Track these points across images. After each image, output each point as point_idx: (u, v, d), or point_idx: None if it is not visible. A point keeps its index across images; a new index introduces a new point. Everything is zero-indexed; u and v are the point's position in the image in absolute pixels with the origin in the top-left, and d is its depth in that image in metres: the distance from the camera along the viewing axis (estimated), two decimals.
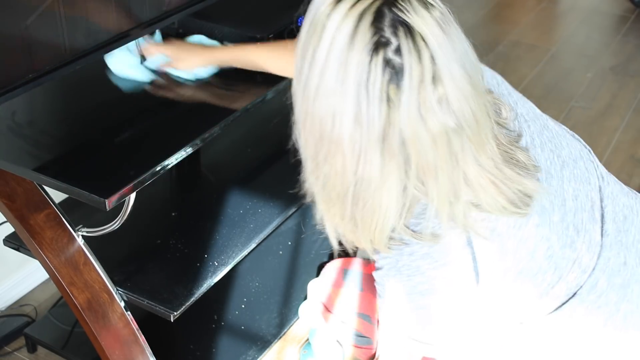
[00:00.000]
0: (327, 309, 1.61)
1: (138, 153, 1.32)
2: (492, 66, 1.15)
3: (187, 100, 1.52)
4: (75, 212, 1.48)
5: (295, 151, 0.94)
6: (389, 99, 0.76)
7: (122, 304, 1.43)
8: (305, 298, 1.84)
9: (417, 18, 0.77)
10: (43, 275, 1.95)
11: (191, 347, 1.73)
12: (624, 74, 3.18)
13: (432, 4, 0.79)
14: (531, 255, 0.96)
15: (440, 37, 0.78)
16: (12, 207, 1.31)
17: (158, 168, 1.26)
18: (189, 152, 1.33)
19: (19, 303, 1.92)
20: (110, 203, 1.18)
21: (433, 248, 0.91)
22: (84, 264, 1.38)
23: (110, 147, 1.35)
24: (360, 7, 0.77)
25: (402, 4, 0.77)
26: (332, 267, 1.72)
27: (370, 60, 0.76)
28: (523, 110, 1.02)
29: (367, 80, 0.76)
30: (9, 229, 1.45)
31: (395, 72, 0.76)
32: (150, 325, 1.55)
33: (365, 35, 0.76)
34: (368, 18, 0.76)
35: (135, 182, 1.22)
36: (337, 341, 1.78)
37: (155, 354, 1.49)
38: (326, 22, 0.78)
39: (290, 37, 1.67)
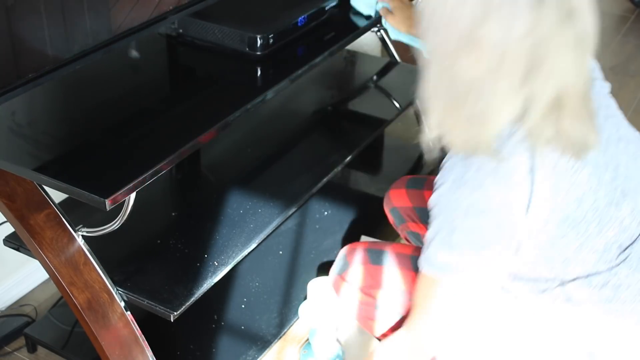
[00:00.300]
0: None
1: (138, 153, 1.32)
2: None
3: (187, 100, 1.52)
4: (75, 212, 1.48)
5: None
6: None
7: (122, 304, 1.43)
8: (305, 298, 1.84)
9: None
10: (43, 275, 1.95)
11: (191, 347, 1.72)
12: (623, 74, 3.17)
13: None
14: (578, 203, 1.07)
15: None
16: (12, 207, 1.31)
17: (158, 168, 1.26)
18: (189, 152, 1.33)
19: (19, 303, 1.92)
20: (110, 203, 1.18)
21: (499, 166, 1.02)
22: (84, 264, 1.38)
23: (110, 147, 1.35)
24: None
25: None
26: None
27: None
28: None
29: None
30: (9, 229, 1.45)
31: None
32: (150, 325, 1.55)
33: None
34: None
35: (135, 182, 1.22)
36: (337, 340, 1.78)
37: (155, 354, 1.49)
38: None
39: (295, 40, 1.67)
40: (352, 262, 1.42)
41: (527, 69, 0.95)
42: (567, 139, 1.02)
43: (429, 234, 1.12)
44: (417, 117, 2.38)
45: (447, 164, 1.10)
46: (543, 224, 1.07)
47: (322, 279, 1.78)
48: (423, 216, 1.59)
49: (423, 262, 1.14)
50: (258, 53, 1.59)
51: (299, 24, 1.66)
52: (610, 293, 1.16)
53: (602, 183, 1.10)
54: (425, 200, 1.44)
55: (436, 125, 1.05)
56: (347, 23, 1.81)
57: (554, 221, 1.07)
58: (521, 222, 1.06)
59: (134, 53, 1.57)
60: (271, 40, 1.59)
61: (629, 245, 1.14)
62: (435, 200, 1.11)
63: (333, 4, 1.75)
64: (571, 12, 0.94)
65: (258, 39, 1.57)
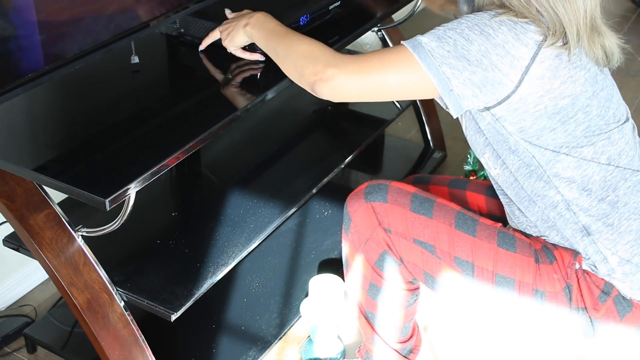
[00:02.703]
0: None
1: (138, 153, 1.32)
2: None
3: (187, 100, 1.52)
4: (75, 212, 1.48)
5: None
6: None
7: (122, 304, 1.43)
8: (307, 295, 1.84)
9: None
10: (43, 275, 1.95)
11: (191, 347, 1.72)
12: (624, 74, 3.17)
13: None
14: (573, 100, 1.22)
15: None
16: (12, 207, 1.31)
17: (158, 168, 1.26)
18: (189, 152, 1.33)
19: (19, 303, 1.92)
20: (110, 203, 1.18)
21: (518, 24, 1.18)
22: (83, 264, 1.37)
23: (110, 147, 1.35)
24: None
25: None
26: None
27: None
28: None
29: None
30: (8, 229, 1.45)
31: None
32: (150, 325, 1.55)
33: None
34: None
35: (135, 182, 1.21)
36: (338, 337, 1.78)
37: (155, 354, 1.49)
38: None
39: None
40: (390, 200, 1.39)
41: None
42: (589, 51, 1.23)
43: (430, 32, 1.24)
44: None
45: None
46: (537, 99, 1.21)
47: (323, 276, 1.78)
48: None
49: (412, 41, 1.24)
50: (258, 52, 1.59)
51: (301, 23, 1.66)
52: (608, 207, 1.25)
53: (596, 96, 1.25)
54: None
55: None
56: (347, 23, 1.81)
57: (547, 107, 1.21)
58: (508, 75, 1.18)
59: (134, 53, 1.57)
60: None
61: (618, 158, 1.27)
62: (450, 24, 1.23)
63: (336, 4, 1.75)
64: None
65: None
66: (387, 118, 2.06)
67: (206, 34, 1.58)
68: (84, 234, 1.38)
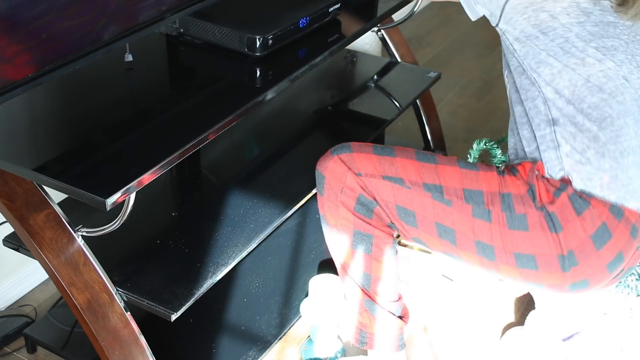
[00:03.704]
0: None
1: (138, 153, 1.32)
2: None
3: (187, 100, 1.52)
4: (75, 212, 1.47)
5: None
6: None
7: (122, 304, 1.43)
8: (307, 295, 1.84)
9: None
10: (43, 275, 1.95)
11: (191, 347, 1.72)
12: None
13: None
14: (551, 16, 1.39)
15: None
16: (12, 207, 1.31)
17: (158, 168, 1.26)
18: (189, 153, 1.33)
19: (19, 303, 1.92)
20: (110, 203, 1.18)
21: None
22: (83, 264, 1.37)
23: (110, 147, 1.35)
24: None
25: None
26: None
27: None
28: None
29: None
30: (8, 229, 1.45)
31: None
32: (150, 325, 1.55)
33: None
34: None
35: (136, 182, 1.21)
36: (338, 337, 1.78)
37: (155, 354, 1.49)
38: None
39: (296, 42, 1.67)
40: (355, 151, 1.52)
41: None
42: None
43: None
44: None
45: None
46: (522, 9, 1.39)
47: (323, 276, 1.78)
48: None
49: None
50: (257, 54, 1.59)
51: (301, 25, 1.66)
52: (575, 111, 1.38)
53: (586, 22, 1.37)
54: None
55: None
56: (347, 23, 1.81)
57: (530, 17, 1.39)
58: None
59: (134, 53, 1.57)
60: (270, 41, 1.59)
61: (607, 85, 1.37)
62: None
63: (336, 6, 1.75)
64: None
65: (257, 40, 1.57)
66: (387, 118, 2.06)
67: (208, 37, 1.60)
68: (84, 234, 1.38)
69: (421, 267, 1.94)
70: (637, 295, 1.58)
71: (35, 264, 1.65)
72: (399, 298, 1.61)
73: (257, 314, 1.82)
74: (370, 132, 2.00)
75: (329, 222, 1.57)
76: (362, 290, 1.57)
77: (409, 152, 1.49)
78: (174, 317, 1.41)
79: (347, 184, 1.49)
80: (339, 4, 1.76)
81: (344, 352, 1.77)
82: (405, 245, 2.09)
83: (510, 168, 1.44)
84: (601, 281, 1.38)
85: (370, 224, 1.51)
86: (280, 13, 1.67)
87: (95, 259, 1.39)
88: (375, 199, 1.49)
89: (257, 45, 1.58)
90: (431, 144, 2.46)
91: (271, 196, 1.72)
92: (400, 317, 1.60)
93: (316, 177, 1.57)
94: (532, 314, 1.78)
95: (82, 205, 1.34)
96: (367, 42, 2.79)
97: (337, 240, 1.57)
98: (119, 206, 1.24)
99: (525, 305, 1.89)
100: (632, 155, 1.36)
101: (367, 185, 1.48)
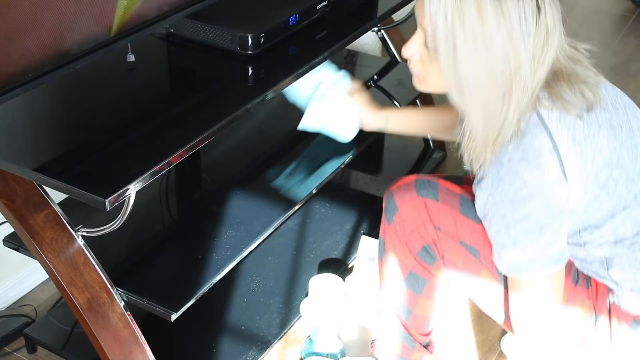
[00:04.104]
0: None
1: (138, 153, 1.32)
2: None
3: (187, 100, 1.52)
4: (75, 212, 1.47)
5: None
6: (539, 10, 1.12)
7: (122, 304, 1.43)
8: (307, 295, 1.84)
9: None
10: (43, 275, 1.95)
11: (191, 347, 1.72)
12: (624, 74, 3.17)
13: None
14: (607, 164, 1.19)
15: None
16: (12, 207, 1.31)
17: (158, 168, 1.26)
18: (189, 152, 1.32)
19: (19, 303, 1.92)
20: (110, 203, 1.17)
21: (525, 152, 1.14)
22: (83, 264, 1.37)
23: (110, 147, 1.35)
24: None
25: None
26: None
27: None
28: (606, 85, 1.28)
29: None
30: (8, 229, 1.45)
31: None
32: (150, 325, 1.55)
33: None
34: None
35: (135, 182, 1.21)
36: (338, 336, 1.78)
37: (155, 354, 1.49)
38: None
39: (286, 39, 1.67)
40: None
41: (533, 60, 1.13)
42: (566, 101, 1.16)
43: (491, 239, 1.22)
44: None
45: (481, 179, 1.22)
46: (582, 190, 1.18)
47: (323, 276, 1.78)
48: None
49: (500, 267, 1.24)
50: (249, 52, 1.59)
51: (291, 23, 1.66)
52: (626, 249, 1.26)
53: (623, 144, 1.21)
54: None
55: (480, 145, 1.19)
56: (347, 23, 1.81)
57: (591, 187, 1.19)
58: (564, 194, 1.16)
59: (130, 53, 1.57)
60: (262, 40, 1.59)
61: None
62: (481, 208, 1.22)
63: (324, 3, 1.75)
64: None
65: (249, 38, 1.57)
66: None
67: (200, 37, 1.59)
68: (84, 234, 1.38)
69: None
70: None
71: (35, 264, 1.64)
72: (431, 331, 1.56)
73: (257, 314, 1.82)
74: (369, 132, 1.99)
75: (387, 248, 1.47)
76: (400, 319, 1.51)
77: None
78: (174, 317, 1.41)
79: (421, 231, 1.39)
80: (325, 1, 1.75)
81: (344, 353, 1.77)
82: None
83: (582, 275, 1.33)
84: None
85: (429, 271, 1.43)
86: (268, 11, 1.67)
87: (95, 259, 1.39)
88: (442, 257, 1.40)
89: (249, 44, 1.58)
90: (431, 144, 2.46)
91: (271, 196, 1.72)
92: (426, 347, 1.56)
93: (387, 201, 1.45)
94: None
95: (82, 205, 1.34)
96: (367, 42, 2.78)
97: (389, 268, 1.48)
98: (119, 206, 1.24)
99: None
100: None
101: (441, 242, 1.38)
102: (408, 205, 1.40)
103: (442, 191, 1.38)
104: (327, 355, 1.74)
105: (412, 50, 1.27)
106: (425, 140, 2.47)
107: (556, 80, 1.18)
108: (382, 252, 1.50)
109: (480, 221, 1.31)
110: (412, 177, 1.43)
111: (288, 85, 1.58)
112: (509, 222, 1.18)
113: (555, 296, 1.25)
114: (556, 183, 1.15)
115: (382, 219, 1.48)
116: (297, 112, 1.73)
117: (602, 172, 1.19)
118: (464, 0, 1.10)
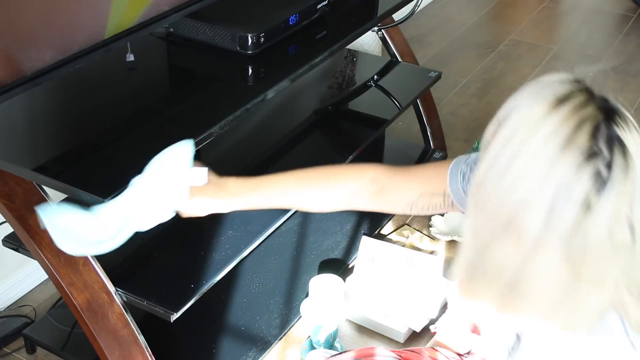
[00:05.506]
0: None
1: (138, 153, 1.32)
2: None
3: (186, 100, 1.51)
4: None
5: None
6: (588, 206, 0.80)
7: (122, 304, 1.42)
8: (307, 296, 1.84)
9: (632, 140, 0.82)
10: (42, 275, 1.95)
11: (191, 347, 1.72)
12: (625, 74, 3.17)
13: None
14: None
15: None
16: (12, 207, 1.31)
17: None
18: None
19: (18, 304, 1.92)
20: None
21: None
22: (83, 264, 1.37)
23: (109, 147, 1.34)
24: (582, 114, 0.81)
25: (621, 122, 0.82)
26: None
27: (581, 165, 0.79)
28: None
29: (572, 183, 0.80)
30: (8, 229, 1.45)
31: (600, 183, 0.80)
32: (150, 325, 1.55)
33: (583, 141, 0.80)
34: (588, 127, 0.80)
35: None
36: (338, 337, 1.78)
37: (155, 354, 1.48)
38: (544, 120, 0.82)
39: (286, 39, 1.66)
40: None
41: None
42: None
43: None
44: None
45: None
46: None
47: (323, 276, 1.78)
48: None
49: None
50: (249, 52, 1.58)
51: (290, 23, 1.66)
52: None
53: None
54: None
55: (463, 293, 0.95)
56: (347, 22, 1.81)
57: None
58: None
59: (129, 53, 1.56)
60: (262, 39, 1.58)
61: None
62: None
63: (324, 3, 1.75)
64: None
65: (249, 38, 1.56)
66: (387, 118, 2.06)
67: (200, 36, 1.58)
68: None
69: (422, 268, 1.94)
70: None
71: (35, 264, 1.64)
72: None
73: (257, 314, 1.82)
74: (370, 132, 1.99)
75: None
76: None
77: None
78: (174, 317, 1.41)
79: None
80: (326, 1, 1.75)
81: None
82: (403, 245, 2.09)
83: None
84: None
85: None
86: (268, 11, 1.67)
87: (95, 259, 1.39)
88: None
89: (249, 44, 1.57)
90: (431, 144, 2.46)
91: None
92: None
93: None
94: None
95: (81, 205, 1.34)
96: (367, 41, 2.78)
97: None
98: None
99: None
100: None
101: None
102: None
103: None
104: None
105: None
106: (426, 140, 2.46)
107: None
108: None
109: None
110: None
111: (287, 86, 1.57)
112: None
113: None
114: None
115: None
116: (297, 112, 1.73)
117: None
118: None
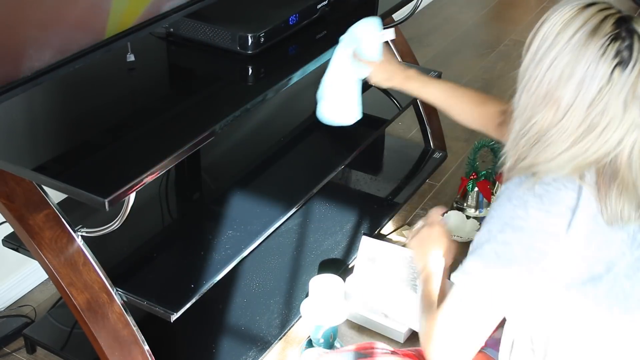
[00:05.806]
0: None
1: (138, 153, 1.32)
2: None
3: (186, 100, 1.52)
4: (75, 212, 1.47)
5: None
6: (610, 78, 1.02)
7: (122, 304, 1.42)
8: (307, 296, 1.84)
9: None
10: (42, 275, 1.95)
11: (191, 347, 1.72)
12: None
13: None
14: (607, 267, 1.11)
15: None
16: (12, 207, 1.31)
17: (157, 168, 1.26)
18: (189, 152, 1.32)
19: (18, 304, 1.92)
20: (110, 203, 1.17)
21: (547, 193, 1.09)
22: (83, 264, 1.37)
23: (109, 147, 1.34)
24: (606, 12, 1.05)
25: (638, 20, 1.06)
26: None
27: (608, 45, 1.02)
28: None
29: (600, 58, 1.02)
30: (8, 229, 1.45)
31: (621, 60, 1.02)
32: (150, 325, 1.55)
33: (607, 29, 1.03)
34: (611, 20, 1.04)
35: (135, 182, 1.21)
36: (337, 337, 1.78)
37: (155, 354, 1.49)
38: (575, 18, 1.05)
39: (286, 39, 1.66)
40: None
41: (585, 129, 1.07)
42: (608, 207, 1.09)
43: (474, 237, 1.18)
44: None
45: (503, 187, 1.17)
46: (568, 266, 1.09)
47: (323, 276, 1.78)
48: None
49: (457, 271, 1.15)
50: (249, 52, 1.58)
51: (291, 23, 1.66)
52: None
53: (630, 261, 1.12)
54: None
55: (510, 155, 1.16)
56: (347, 23, 1.81)
57: (582, 273, 1.10)
58: (553, 252, 1.08)
59: (129, 53, 1.57)
60: (262, 39, 1.58)
61: None
62: (488, 214, 1.18)
63: (324, 2, 1.75)
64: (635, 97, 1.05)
65: (249, 38, 1.56)
66: (387, 118, 2.06)
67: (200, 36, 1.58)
68: (84, 234, 1.38)
69: None
70: None
71: (35, 264, 1.64)
72: None
73: (257, 314, 1.82)
74: (370, 132, 1.99)
75: None
76: None
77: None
78: (174, 317, 1.41)
79: None
80: (326, 1, 1.75)
81: None
82: (404, 244, 2.09)
83: None
84: None
85: None
86: (268, 11, 1.67)
87: (95, 259, 1.39)
88: None
89: (249, 43, 1.57)
90: (431, 143, 2.46)
91: (271, 196, 1.72)
92: None
93: None
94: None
95: (82, 205, 1.34)
96: None
97: None
98: (118, 206, 1.23)
99: None
100: None
101: None
102: None
103: None
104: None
105: None
106: (426, 140, 2.46)
107: (612, 180, 1.09)
108: None
109: None
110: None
111: (287, 86, 1.58)
112: (490, 237, 1.12)
113: (469, 329, 1.15)
114: (553, 237, 1.08)
115: None
116: (297, 112, 1.73)
117: (596, 266, 1.11)
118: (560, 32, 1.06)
